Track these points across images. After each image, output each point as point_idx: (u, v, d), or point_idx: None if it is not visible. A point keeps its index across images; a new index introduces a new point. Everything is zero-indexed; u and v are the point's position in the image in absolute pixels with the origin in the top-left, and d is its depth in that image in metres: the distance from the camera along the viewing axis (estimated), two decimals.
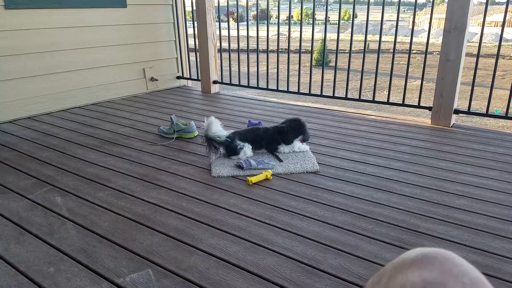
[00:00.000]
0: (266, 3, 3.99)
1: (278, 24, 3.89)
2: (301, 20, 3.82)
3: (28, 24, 3.25)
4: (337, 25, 3.53)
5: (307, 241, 1.56)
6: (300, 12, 3.73)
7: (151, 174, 2.20)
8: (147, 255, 1.47)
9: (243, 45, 4.24)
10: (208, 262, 1.43)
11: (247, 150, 2.40)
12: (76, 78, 3.68)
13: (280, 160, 2.37)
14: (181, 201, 1.89)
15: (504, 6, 2.80)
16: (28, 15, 3.23)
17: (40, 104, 3.45)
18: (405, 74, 3.34)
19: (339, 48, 3.56)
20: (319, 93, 3.79)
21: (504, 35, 2.84)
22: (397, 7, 3.22)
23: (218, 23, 4.18)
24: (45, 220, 1.72)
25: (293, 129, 2.50)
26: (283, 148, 2.48)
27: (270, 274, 1.36)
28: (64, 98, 3.61)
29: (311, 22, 3.66)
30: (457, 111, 3.03)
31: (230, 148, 2.39)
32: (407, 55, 3.29)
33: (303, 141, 2.54)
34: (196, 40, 4.22)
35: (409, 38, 3.26)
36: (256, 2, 4.09)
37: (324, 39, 3.82)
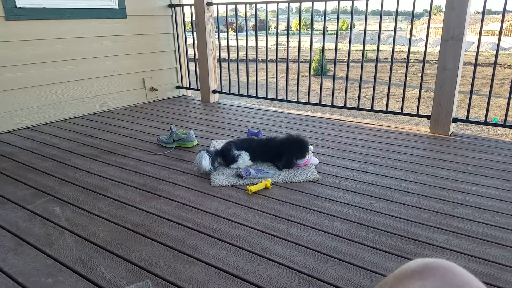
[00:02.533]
0: (265, 14, 4.03)
1: (277, 34, 3.92)
2: (299, 30, 3.85)
3: (28, 35, 3.27)
4: (335, 35, 3.56)
5: (307, 250, 1.55)
6: (298, 22, 3.76)
7: (150, 184, 2.20)
8: (146, 265, 1.46)
9: (242, 55, 4.26)
10: (207, 273, 1.42)
11: (245, 156, 2.40)
12: (76, 88, 3.69)
13: (280, 169, 2.37)
14: (181, 210, 1.89)
15: (501, 15, 2.83)
16: (28, 26, 3.25)
17: (39, 114, 3.46)
18: (403, 83, 3.36)
19: (337, 58, 3.59)
20: (318, 102, 3.80)
21: (501, 44, 2.86)
22: (395, 16, 3.25)
23: (217, 33, 4.21)
24: (43, 230, 1.71)
25: (292, 153, 2.37)
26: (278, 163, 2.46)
27: (270, 284, 1.35)
28: (64, 108, 3.62)
29: (310, 32, 3.69)
30: (455, 120, 3.04)
31: (228, 157, 2.39)
32: (405, 64, 3.32)
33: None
34: (196, 50, 4.25)
35: (407, 47, 3.29)
36: (255, 13, 4.12)
37: (323, 49, 3.85)
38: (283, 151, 2.41)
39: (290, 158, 2.37)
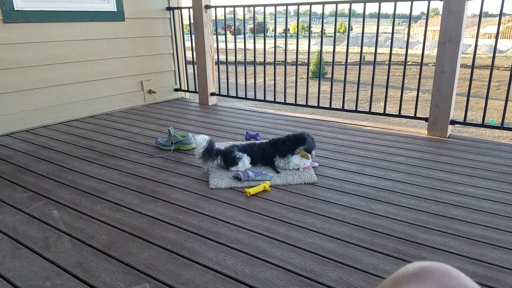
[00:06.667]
0: (263, 17, 4.04)
1: (275, 37, 3.93)
2: (297, 32, 3.86)
3: (26, 38, 3.26)
4: (333, 38, 3.57)
5: (306, 253, 1.55)
6: (296, 25, 3.77)
7: (148, 187, 2.19)
8: (144, 269, 1.46)
9: (240, 57, 4.27)
10: (206, 276, 1.42)
11: (245, 160, 2.40)
12: (74, 91, 3.69)
13: (278, 172, 2.37)
14: (179, 213, 1.88)
15: (498, 18, 2.84)
16: (26, 29, 3.25)
17: (37, 117, 3.45)
18: (401, 85, 3.37)
19: (335, 60, 3.59)
20: (316, 105, 3.81)
21: (498, 47, 2.88)
22: (392, 19, 3.26)
23: (215, 36, 4.22)
24: (41, 234, 1.71)
25: (289, 141, 2.43)
26: (277, 162, 2.44)
27: (269, 287, 1.35)
28: (62, 111, 3.62)
29: (308, 34, 3.70)
30: (453, 122, 3.05)
31: (229, 159, 2.38)
32: (402, 67, 3.33)
33: (307, 151, 2.39)
34: (194, 53, 4.25)
35: (405, 49, 3.30)
36: (253, 16, 4.14)
37: (320, 51, 3.85)
38: (277, 143, 2.47)
39: (280, 148, 2.44)
